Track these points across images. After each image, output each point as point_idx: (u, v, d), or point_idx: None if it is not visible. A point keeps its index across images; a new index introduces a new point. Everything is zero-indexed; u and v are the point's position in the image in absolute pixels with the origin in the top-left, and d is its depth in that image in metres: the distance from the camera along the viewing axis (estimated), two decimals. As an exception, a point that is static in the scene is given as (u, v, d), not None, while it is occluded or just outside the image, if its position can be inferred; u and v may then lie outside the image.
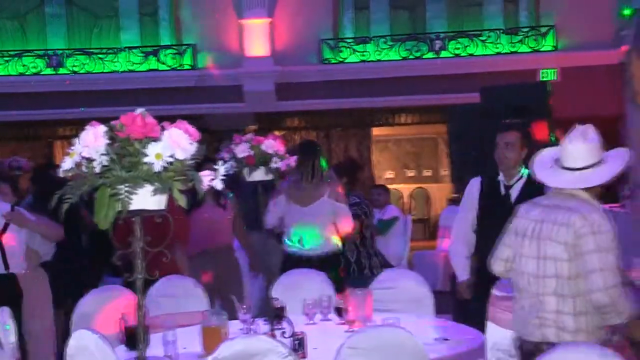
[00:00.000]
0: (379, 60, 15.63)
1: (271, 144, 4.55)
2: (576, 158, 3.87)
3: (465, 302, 5.84)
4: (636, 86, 10.24)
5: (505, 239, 4.06)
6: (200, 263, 6.89)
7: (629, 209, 11.05)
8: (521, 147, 5.54)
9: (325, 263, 6.40)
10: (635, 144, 10.60)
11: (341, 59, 15.73)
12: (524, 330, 3.86)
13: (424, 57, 15.56)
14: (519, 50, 15.38)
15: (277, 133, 5.50)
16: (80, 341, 3.83)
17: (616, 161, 3.89)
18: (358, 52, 15.71)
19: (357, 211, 7.18)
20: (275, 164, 4.56)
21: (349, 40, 15.84)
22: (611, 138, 15.15)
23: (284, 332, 4.40)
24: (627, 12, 11.61)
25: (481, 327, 4.52)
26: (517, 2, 15.72)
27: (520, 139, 5.51)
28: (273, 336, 4.19)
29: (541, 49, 15.33)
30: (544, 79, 14.65)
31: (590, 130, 3.96)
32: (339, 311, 4.89)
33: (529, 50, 15.36)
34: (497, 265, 4.12)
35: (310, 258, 6.42)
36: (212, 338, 4.11)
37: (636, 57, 10.11)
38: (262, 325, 4.60)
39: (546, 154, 4.10)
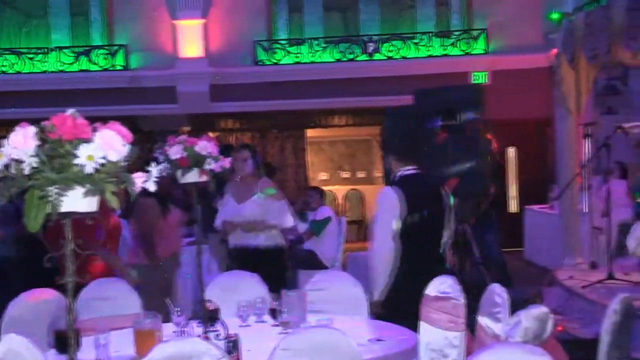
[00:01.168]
0: (312, 62, 15.67)
1: (205, 146, 4.51)
2: None
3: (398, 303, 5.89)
4: (565, 89, 10.44)
5: None
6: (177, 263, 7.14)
7: (556, 210, 11.26)
8: (382, 151, 5.79)
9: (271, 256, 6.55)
10: (564, 146, 10.81)
11: (275, 61, 15.72)
12: None
13: (357, 59, 15.65)
14: (451, 53, 15.56)
15: (211, 134, 5.50)
16: (9, 345, 3.76)
17: None
18: (292, 53, 15.73)
19: None
20: (209, 165, 4.53)
21: (283, 42, 15.84)
22: (540, 140, 15.51)
23: (217, 334, 4.38)
24: (555, 16, 11.80)
25: (414, 328, 4.55)
26: (449, 5, 15.91)
27: (379, 146, 5.82)
28: (207, 338, 4.17)
29: (473, 52, 15.53)
30: (476, 82, 14.85)
31: None
32: (273, 313, 4.89)
33: (461, 53, 15.56)
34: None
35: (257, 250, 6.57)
36: (144, 341, 4.07)
37: (565, 61, 10.31)
38: (195, 327, 4.58)
39: None
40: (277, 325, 4.77)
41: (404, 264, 5.43)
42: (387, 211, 5.49)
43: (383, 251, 5.46)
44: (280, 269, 6.70)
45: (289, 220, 6.90)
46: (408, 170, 5.65)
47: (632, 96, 12.32)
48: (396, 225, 5.42)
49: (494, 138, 9.76)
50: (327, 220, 9.83)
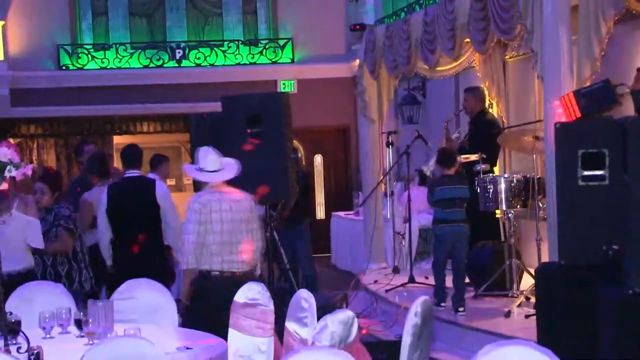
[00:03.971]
0: (119, 68, 15.41)
1: (5, 152, 4.35)
2: (214, 165, 6.04)
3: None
4: (367, 99, 10.78)
5: (193, 238, 5.92)
6: None
7: (361, 216, 11.60)
8: None
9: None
10: (367, 154, 11.16)
11: (80, 66, 15.35)
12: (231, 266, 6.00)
13: (165, 65, 15.53)
14: (258, 62, 15.71)
15: (11, 141, 5.30)
16: None
17: (231, 167, 6.13)
18: (97, 58, 15.41)
19: (70, 225, 7.21)
20: (10, 172, 4.37)
21: (87, 47, 15.49)
22: (343, 147, 15.87)
23: (19, 348, 4.24)
24: (358, 27, 12.15)
25: (225, 335, 4.57)
26: (256, 14, 16.06)
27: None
28: (7, 352, 4.03)
29: (280, 61, 15.75)
30: (283, 90, 15.07)
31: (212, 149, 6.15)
32: (79, 323, 4.78)
33: (269, 61, 15.74)
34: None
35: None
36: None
37: (367, 71, 10.64)
38: (-5, 341, 4.40)
39: (188, 167, 6.41)
40: (82, 337, 4.67)
41: (115, 244, 7.50)
42: (101, 205, 7.54)
43: (100, 232, 7.55)
44: None
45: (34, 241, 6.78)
46: (130, 173, 7.66)
47: (430, 106, 12.88)
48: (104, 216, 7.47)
49: (301, 146, 9.95)
50: None
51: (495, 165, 9.11)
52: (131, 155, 7.88)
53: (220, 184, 6.09)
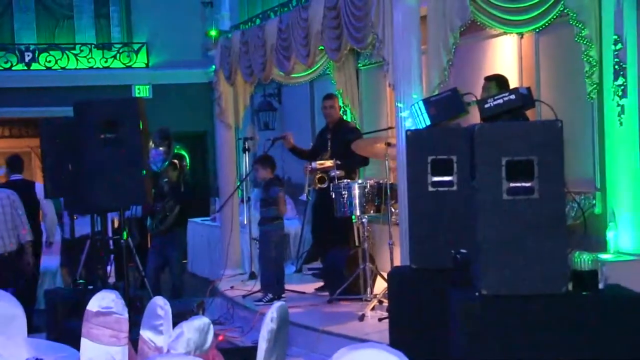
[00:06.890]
0: (-35, 70, 14.89)
1: None
2: None
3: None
4: (224, 105, 10.76)
5: None
6: None
7: (218, 222, 11.57)
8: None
9: None
10: (224, 160, 11.14)
11: None
12: None
13: (13, 68, 15.07)
14: (112, 66, 15.46)
15: None
16: None
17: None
18: (-58, 61, 14.85)
19: None
20: None
21: None
22: (201, 152, 15.75)
23: None
24: (213, 33, 12.12)
25: (77, 344, 4.48)
26: (109, 17, 15.79)
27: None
28: None
29: (134, 66, 15.54)
30: (138, 95, 14.88)
31: None
32: None
33: (122, 66, 15.51)
34: None
35: None
36: None
37: (223, 77, 10.63)
38: None
39: None
40: None
41: None
42: None
43: None
44: None
45: None
46: (14, 177, 9.48)
47: (286, 112, 12.98)
48: None
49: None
50: None
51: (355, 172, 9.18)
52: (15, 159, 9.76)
53: None
